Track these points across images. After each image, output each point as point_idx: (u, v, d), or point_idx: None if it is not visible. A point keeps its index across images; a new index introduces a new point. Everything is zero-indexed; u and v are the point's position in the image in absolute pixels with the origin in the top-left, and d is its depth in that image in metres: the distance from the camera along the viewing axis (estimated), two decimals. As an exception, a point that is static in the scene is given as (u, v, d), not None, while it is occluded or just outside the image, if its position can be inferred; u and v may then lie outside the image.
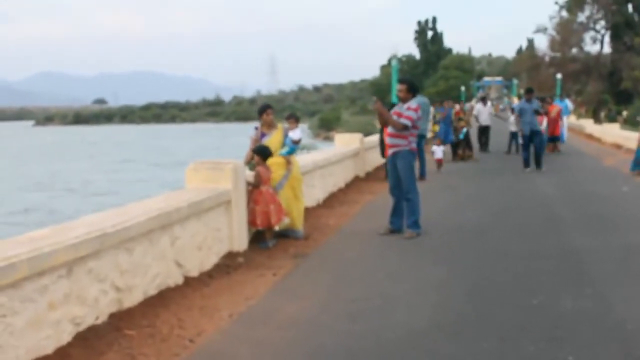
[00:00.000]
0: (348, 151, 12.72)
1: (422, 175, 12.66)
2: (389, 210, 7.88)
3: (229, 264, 6.34)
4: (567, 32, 45.67)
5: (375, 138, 15.72)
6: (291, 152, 7.80)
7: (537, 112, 14.36)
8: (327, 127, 60.54)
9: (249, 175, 7.21)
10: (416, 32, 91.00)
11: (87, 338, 4.17)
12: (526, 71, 55.75)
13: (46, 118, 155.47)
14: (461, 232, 7.90)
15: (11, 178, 34.63)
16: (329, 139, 45.76)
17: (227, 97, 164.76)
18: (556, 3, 46.85)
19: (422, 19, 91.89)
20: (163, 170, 36.30)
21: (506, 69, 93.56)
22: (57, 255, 3.92)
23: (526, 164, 14.25)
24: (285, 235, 7.53)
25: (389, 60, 47.29)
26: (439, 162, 14.78)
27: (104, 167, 41.02)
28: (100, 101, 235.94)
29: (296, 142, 8.35)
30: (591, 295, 5.21)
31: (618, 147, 20.54)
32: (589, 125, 29.98)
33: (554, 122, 18.47)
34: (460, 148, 17.19)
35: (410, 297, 5.26)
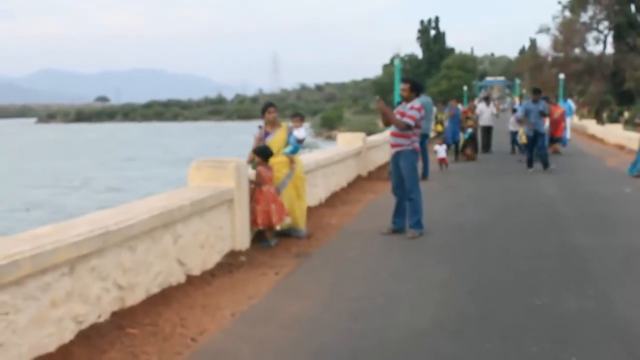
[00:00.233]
0: (350, 150, 12.71)
1: (425, 175, 12.64)
2: (391, 209, 7.88)
3: (231, 262, 6.34)
4: (570, 32, 45.63)
5: (378, 137, 15.73)
6: (295, 151, 7.79)
7: (542, 114, 14.09)
8: (329, 126, 60.52)
9: (251, 174, 7.21)
10: (419, 31, 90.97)
11: (90, 336, 4.17)
12: (529, 71, 55.69)
13: (48, 115, 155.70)
14: (463, 231, 7.89)
15: (15, 175, 34.67)
16: (331, 138, 45.76)
17: (229, 95, 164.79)
18: (559, 3, 46.89)
19: (425, 19, 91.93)
20: (166, 167, 36.32)
21: (509, 68, 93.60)
22: (60, 253, 3.91)
23: (529, 164, 14.21)
24: (288, 234, 7.53)
25: (392, 60, 47.25)
26: (442, 162, 14.76)
27: (108, 164, 41.07)
28: (103, 99, 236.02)
29: (300, 141, 8.33)
30: (594, 295, 5.20)
31: (621, 147, 20.51)
32: (591, 125, 29.96)
33: (557, 123, 18.36)
34: (467, 148, 17.12)
35: (413, 297, 5.26)
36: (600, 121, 35.11)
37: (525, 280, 5.72)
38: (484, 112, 19.75)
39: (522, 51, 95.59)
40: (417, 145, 7.75)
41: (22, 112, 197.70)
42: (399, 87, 8.22)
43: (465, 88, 64.05)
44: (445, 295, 5.32)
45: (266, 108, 7.73)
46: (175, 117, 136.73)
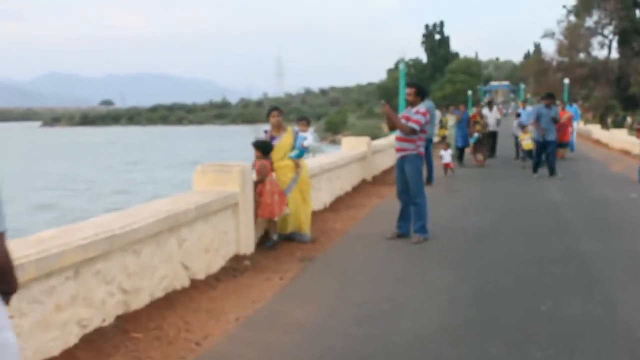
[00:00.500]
0: (355, 155, 12.69)
1: (430, 181, 12.61)
2: (396, 214, 7.87)
3: (235, 267, 6.34)
4: (575, 37, 45.57)
5: (383, 142, 15.71)
6: (301, 155, 7.79)
7: (555, 121, 13.79)
8: (333, 130, 60.53)
9: (257, 166, 7.20)
10: (424, 36, 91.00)
11: (94, 340, 4.17)
12: (533, 76, 55.63)
13: (53, 119, 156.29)
14: (468, 236, 7.88)
15: (22, 178, 34.75)
16: (335, 142, 45.75)
17: (233, 99, 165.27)
18: (564, 8, 46.86)
19: (430, 23, 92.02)
20: (172, 171, 36.41)
21: (513, 73, 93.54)
22: (65, 257, 3.92)
23: (535, 169, 14.15)
24: (292, 239, 7.53)
25: (397, 64, 47.36)
26: (447, 167, 14.72)
27: (114, 168, 41.20)
28: (108, 102, 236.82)
29: (305, 147, 8.33)
30: (598, 300, 5.19)
31: (626, 153, 20.45)
32: (596, 130, 29.90)
33: (564, 128, 18.28)
34: (478, 154, 17.03)
35: (418, 302, 5.25)
36: (605, 126, 35.03)
37: (529, 285, 5.70)
38: (488, 117, 19.72)
39: (527, 56, 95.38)
40: (422, 150, 7.74)
41: (27, 115, 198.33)
42: (405, 92, 8.22)
43: (470, 93, 64.04)
44: (450, 300, 5.31)
45: (270, 112, 7.74)
46: (180, 121, 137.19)
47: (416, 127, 7.51)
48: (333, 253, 7.15)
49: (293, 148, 7.64)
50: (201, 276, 5.81)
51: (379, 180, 13.86)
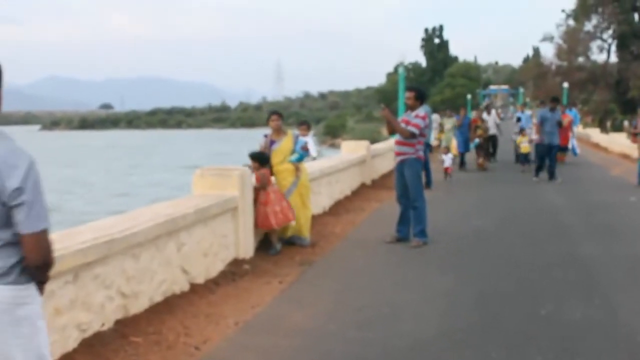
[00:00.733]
0: (354, 158, 12.68)
1: (428, 185, 12.59)
2: (395, 218, 7.86)
3: (234, 271, 6.32)
4: (573, 41, 45.61)
5: (382, 145, 15.71)
6: (300, 159, 7.77)
7: (559, 124, 13.74)
8: (332, 134, 60.62)
9: (256, 176, 7.19)
10: (423, 39, 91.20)
11: (93, 344, 4.16)
12: (532, 80, 55.65)
13: (52, 122, 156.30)
14: (468, 240, 7.87)
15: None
16: (334, 146, 45.80)
17: (232, 103, 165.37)
18: (563, 11, 46.94)
19: (429, 27, 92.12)
20: (171, 174, 36.41)
21: (512, 77, 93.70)
22: (64, 261, 3.90)
23: (536, 172, 14.12)
24: (292, 242, 7.52)
25: (396, 68, 47.40)
26: (446, 171, 14.69)
27: (114, 171, 41.18)
28: (107, 106, 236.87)
29: (306, 149, 8.31)
30: (599, 304, 5.18)
31: (625, 156, 20.45)
32: (595, 134, 29.92)
33: (564, 132, 18.23)
34: (480, 158, 16.99)
35: (417, 306, 5.24)
36: (604, 130, 35.04)
37: (529, 289, 5.70)
38: (487, 121, 19.70)
39: (526, 59, 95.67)
40: (421, 153, 7.73)
41: (26, 119, 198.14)
42: (404, 96, 8.22)
43: (469, 96, 64.11)
44: (450, 304, 5.30)
45: (270, 116, 7.74)
46: (179, 125, 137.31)
47: (415, 130, 7.51)
48: (332, 257, 7.13)
49: (293, 152, 7.63)
50: (200, 280, 5.80)
51: (378, 184, 13.85)
